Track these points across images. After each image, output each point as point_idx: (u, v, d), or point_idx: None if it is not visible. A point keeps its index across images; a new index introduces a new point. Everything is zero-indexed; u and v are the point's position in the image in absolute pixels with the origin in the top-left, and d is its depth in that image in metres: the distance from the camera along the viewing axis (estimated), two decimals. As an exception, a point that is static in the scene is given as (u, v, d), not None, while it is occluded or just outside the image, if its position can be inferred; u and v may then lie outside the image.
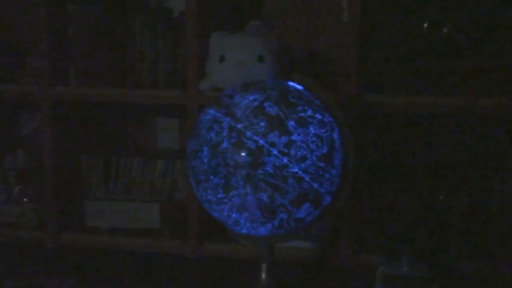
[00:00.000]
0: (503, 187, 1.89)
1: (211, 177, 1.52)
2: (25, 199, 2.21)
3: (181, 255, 2.05)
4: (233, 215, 1.54)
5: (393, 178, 1.99)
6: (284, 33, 2.13)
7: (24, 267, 2.12)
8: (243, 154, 1.47)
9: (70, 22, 2.13)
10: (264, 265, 1.67)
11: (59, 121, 2.13)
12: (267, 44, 1.87)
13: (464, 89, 1.85)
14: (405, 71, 1.88)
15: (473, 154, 2.01)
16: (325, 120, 1.55)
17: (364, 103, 1.87)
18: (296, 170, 1.47)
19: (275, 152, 1.46)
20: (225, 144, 1.50)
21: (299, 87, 1.61)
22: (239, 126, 1.49)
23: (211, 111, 1.56)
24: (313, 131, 1.50)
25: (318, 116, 1.53)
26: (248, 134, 1.48)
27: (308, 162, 1.48)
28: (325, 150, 1.51)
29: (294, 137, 1.48)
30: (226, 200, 1.52)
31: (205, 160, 1.53)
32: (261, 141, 1.47)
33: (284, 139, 1.47)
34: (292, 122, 1.48)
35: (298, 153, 1.47)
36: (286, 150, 1.47)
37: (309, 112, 1.52)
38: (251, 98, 1.52)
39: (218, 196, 1.53)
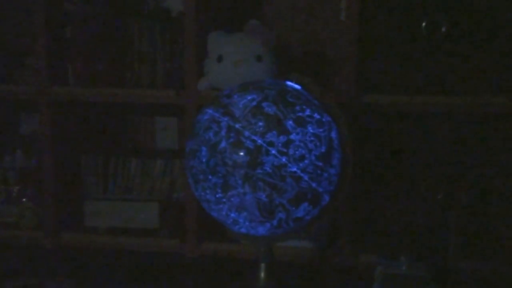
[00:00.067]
0: (502, 186, 1.89)
1: (210, 177, 1.52)
2: (24, 199, 2.21)
3: (180, 254, 2.05)
4: (232, 215, 1.54)
5: (391, 177, 1.99)
6: (282, 33, 2.13)
7: (23, 267, 2.12)
8: (241, 153, 1.48)
9: (68, 22, 2.13)
10: (263, 265, 1.67)
11: (57, 121, 2.13)
12: (265, 43, 1.87)
13: (462, 89, 1.85)
14: (404, 71, 1.88)
15: (472, 154, 2.01)
16: (324, 119, 1.55)
17: (362, 103, 1.87)
18: (294, 169, 1.47)
19: (273, 151, 1.46)
20: (223, 144, 1.50)
21: (297, 86, 1.61)
22: (237, 125, 1.49)
23: (209, 111, 1.56)
24: (311, 131, 1.50)
25: (316, 115, 1.53)
26: (247, 133, 1.48)
27: (307, 161, 1.48)
28: (323, 150, 1.51)
29: (292, 137, 1.48)
30: (224, 199, 1.52)
31: (204, 160, 1.53)
32: (259, 141, 1.47)
33: (282, 138, 1.47)
34: (290, 122, 1.48)
35: (297, 152, 1.48)
36: (285, 150, 1.47)
37: (308, 112, 1.52)
38: (249, 97, 1.52)
39: (217, 195, 1.53)
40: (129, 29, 2.10)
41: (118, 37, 2.11)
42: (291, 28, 2.15)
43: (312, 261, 1.96)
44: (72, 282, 2.01)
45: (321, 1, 2.12)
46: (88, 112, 2.26)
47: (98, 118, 2.31)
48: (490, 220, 1.89)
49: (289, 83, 1.63)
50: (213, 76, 1.92)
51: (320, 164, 1.51)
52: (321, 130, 1.52)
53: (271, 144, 1.46)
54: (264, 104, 1.50)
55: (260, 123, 1.48)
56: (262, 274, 1.67)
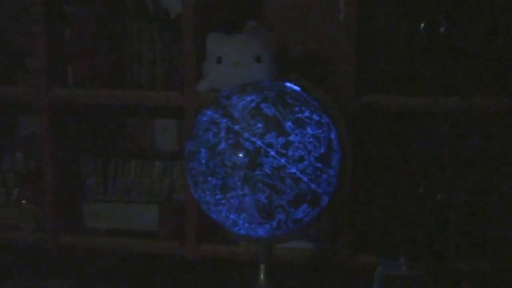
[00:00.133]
0: (501, 186, 1.89)
1: (209, 178, 1.52)
2: (23, 201, 2.21)
3: (179, 256, 2.05)
4: (231, 216, 1.54)
5: (390, 178, 1.99)
6: (281, 34, 2.13)
7: (23, 269, 2.13)
8: (240, 155, 1.48)
9: (67, 23, 2.13)
10: (262, 266, 1.67)
11: (57, 122, 2.13)
12: (264, 44, 1.88)
13: (461, 89, 1.85)
14: (403, 71, 1.88)
15: (471, 154, 2.01)
16: (323, 120, 1.55)
17: (362, 104, 1.87)
18: (293, 170, 1.48)
19: (272, 153, 1.47)
20: (222, 145, 1.50)
21: (296, 87, 1.61)
22: (236, 127, 1.49)
23: (209, 112, 1.56)
24: (310, 132, 1.50)
25: (315, 116, 1.53)
26: (246, 135, 1.48)
27: (306, 162, 1.49)
28: (322, 151, 1.52)
29: (291, 138, 1.48)
30: (224, 201, 1.52)
31: (203, 161, 1.53)
32: (258, 142, 1.47)
33: (281, 140, 1.47)
34: (289, 123, 1.49)
35: (296, 153, 1.48)
36: (284, 151, 1.47)
37: (307, 113, 1.52)
38: (248, 99, 1.52)
39: (216, 197, 1.53)
40: (129, 30, 2.10)
41: (117, 38, 2.11)
42: (290, 29, 2.15)
43: (312, 262, 1.96)
44: (72, 283, 2.02)
45: (320, 2, 2.12)
46: (87, 114, 2.26)
47: (98, 119, 2.31)
48: (489, 219, 1.89)
49: (288, 84, 1.63)
50: (213, 77, 1.92)
51: (319, 165, 1.51)
52: (320, 131, 1.52)
53: (270, 145, 1.47)
54: (263, 105, 1.50)
55: (259, 125, 1.48)
56: (262, 276, 1.67)
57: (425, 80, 1.87)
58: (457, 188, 1.91)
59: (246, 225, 1.54)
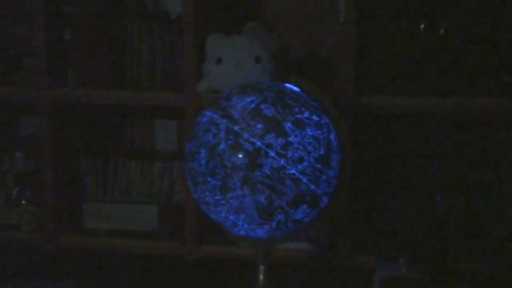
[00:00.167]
0: (501, 187, 1.89)
1: (209, 179, 1.53)
2: (23, 201, 2.21)
3: (179, 256, 2.05)
4: (231, 217, 1.54)
5: (390, 179, 1.99)
6: (281, 35, 2.13)
7: (23, 269, 2.13)
8: (240, 156, 1.48)
9: (67, 24, 2.13)
10: (261, 267, 1.67)
11: (57, 123, 2.13)
12: (264, 45, 1.88)
13: (461, 90, 1.85)
14: (402, 72, 1.88)
15: (471, 154, 2.01)
16: (322, 121, 1.55)
17: (361, 105, 1.87)
18: (293, 171, 1.48)
19: (272, 153, 1.47)
20: (222, 146, 1.50)
21: (296, 88, 1.61)
22: (236, 128, 1.49)
23: (208, 113, 1.56)
24: (310, 133, 1.50)
25: (315, 117, 1.53)
26: (245, 136, 1.48)
27: (305, 163, 1.49)
28: (322, 152, 1.52)
29: (291, 139, 1.48)
30: (223, 202, 1.52)
31: (203, 162, 1.53)
32: (258, 143, 1.47)
33: (281, 140, 1.47)
34: (289, 124, 1.49)
35: (295, 154, 1.48)
36: (283, 152, 1.47)
37: (306, 114, 1.52)
38: (248, 100, 1.52)
39: (216, 198, 1.53)
40: (129, 30, 2.10)
41: (117, 39, 2.11)
42: (290, 30, 2.15)
43: (311, 263, 1.96)
44: (72, 283, 2.02)
45: (320, 3, 2.12)
46: (87, 114, 2.26)
47: (98, 120, 2.31)
48: (488, 220, 1.89)
49: (287, 85, 1.63)
50: (212, 78, 1.92)
51: (319, 166, 1.51)
52: (319, 132, 1.52)
53: (269, 146, 1.47)
54: (262, 106, 1.50)
55: (259, 125, 1.48)
56: (261, 276, 1.67)
57: (425, 80, 1.87)
58: (457, 189, 1.91)
59: (246, 225, 1.54)
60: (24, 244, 2.17)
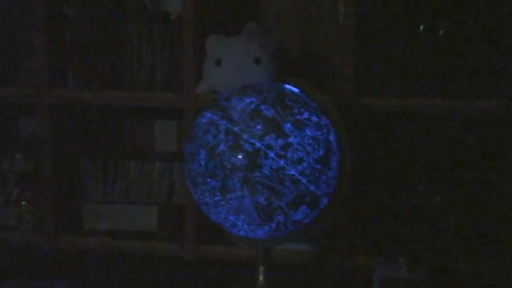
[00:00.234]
0: (500, 187, 1.89)
1: (208, 180, 1.53)
2: (23, 202, 2.21)
3: (179, 257, 2.05)
4: (231, 218, 1.54)
5: (390, 179, 1.99)
6: (281, 36, 2.13)
7: (23, 270, 2.13)
8: (240, 156, 1.48)
9: (67, 25, 2.14)
10: (261, 268, 1.67)
11: (57, 124, 2.13)
12: (264, 46, 1.88)
13: (460, 91, 1.85)
14: (402, 73, 1.88)
15: (471, 155, 2.01)
16: (322, 122, 1.55)
17: (361, 105, 1.88)
18: (293, 172, 1.48)
19: (271, 154, 1.47)
20: (222, 147, 1.50)
21: (295, 89, 1.62)
22: (235, 129, 1.49)
23: (208, 114, 1.56)
24: (309, 134, 1.51)
25: (314, 118, 1.53)
26: (245, 137, 1.48)
27: (305, 164, 1.49)
28: (321, 153, 1.52)
29: (290, 140, 1.48)
30: (223, 202, 1.52)
31: (202, 163, 1.53)
32: (257, 144, 1.47)
33: (280, 141, 1.47)
34: (288, 125, 1.49)
35: (295, 155, 1.48)
36: (283, 153, 1.47)
37: (306, 115, 1.52)
38: (247, 101, 1.53)
39: (216, 198, 1.53)
40: (128, 31, 2.10)
41: (117, 39, 2.11)
42: (290, 31, 2.16)
43: (311, 263, 1.96)
44: (71, 284, 2.02)
45: (320, 4, 2.12)
46: (87, 115, 2.27)
47: (97, 120, 2.31)
48: (488, 221, 1.89)
49: (287, 86, 1.63)
50: (212, 79, 1.92)
51: (319, 167, 1.51)
52: (319, 133, 1.53)
53: (269, 147, 1.47)
54: (262, 107, 1.51)
55: (259, 126, 1.48)
56: (261, 277, 1.67)
57: (424, 81, 1.87)
58: (456, 189, 1.91)
59: (245, 226, 1.54)
60: (24, 245, 2.17)
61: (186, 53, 1.97)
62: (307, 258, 1.96)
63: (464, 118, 1.99)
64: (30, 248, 2.16)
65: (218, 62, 1.89)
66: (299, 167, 1.48)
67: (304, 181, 1.49)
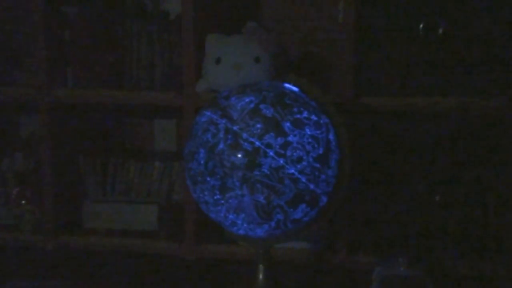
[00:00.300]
0: (500, 187, 1.90)
1: (208, 179, 1.53)
2: (23, 201, 2.21)
3: (178, 256, 2.05)
4: (230, 216, 1.54)
5: (389, 178, 1.99)
6: (280, 35, 2.14)
7: (23, 269, 2.13)
8: (239, 155, 1.48)
9: (67, 24, 2.14)
10: (261, 266, 1.68)
11: (57, 123, 2.13)
12: (264, 45, 1.88)
13: (460, 90, 1.85)
14: (401, 72, 1.88)
15: (470, 154, 2.01)
16: (321, 121, 1.55)
17: (360, 104, 1.88)
18: (292, 171, 1.48)
19: (271, 153, 1.47)
20: (221, 146, 1.50)
21: (295, 88, 1.62)
22: (235, 128, 1.50)
23: (207, 113, 1.57)
24: (309, 133, 1.51)
25: (314, 117, 1.53)
26: (244, 135, 1.48)
27: (304, 163, 1.49)
28: (321, 151, 1.52)
29: (290, 139, 1.48)
30: (223, 201, 1.53)
31: (202, 162, 1.53)
32: (257, 143, 1.47)
33: (280, 140, 1.48)
34: (288, 124, 1.49)
35: (294, 154, 1.48)
36: (282, 152, 1.47)
37: (305, 114, 1.52)
38: (247, 100, 1.53)
39: (215, 197, 1.53)
40: (128, 31, 2.10)
41: (117, 39, 2.11)
42: (289, 30, 2.16)
43: (310, 262, 1.96)
44: (71, 283, 2.02)
45: (319, 4, 2.13)
46: (87, 114, 2.27)
47: (97, 120, 2.31)
48: (487, 220, 1.89)
49: (287, 85, 1.63)
50: (212, 78, 1.92)
51: (318, 165, 1.51)
52: (318, 131, 1.53)
53: (269, 146, 1.47)
54: (261, 106, 1.51)
55: (258, 125, 1.48)
56: (260, 276, 1.68)
57: (424, 80, 1.87)
58: (455, 188, 1.91)
59: (245, 225, 1.55)
60: (23, 244, 2.17)
61: (185, 52, 1.97)
62: (307, 257, 1.96)
63: (464, 117, 1.99)
64: (30, 248, 2.16)
65: (218, 61, 1.89)
66: (298, 166, 1.48)
67: (303, 179, 1.49)
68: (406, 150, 2.05)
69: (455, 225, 1.88)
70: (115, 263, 2.12)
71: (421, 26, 1.85)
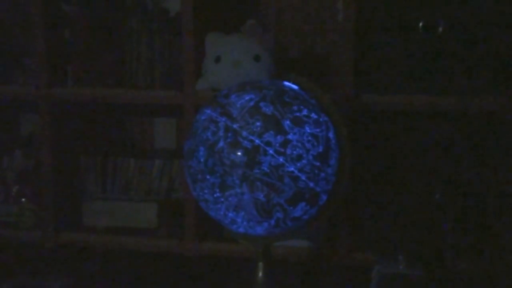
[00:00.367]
0: (499, 185, 1.90)
1: (208, 177, 1.53)
2: (23, 199, 2.21)
3: (178, 254, 2.05)
4: (230, 214, 1.55)
5: (388, 177, 1.99)
6: (280, 33, 2.14)
7: (23, 267, 2.13)
8: (239, 153, 1.48)
9: (67, 23, 2.14)
10: (260, 264, 1.68)
11: (56, 121, 2.13)
12: (263, 43, 1.88)
13: (460, 89, 1.85)
14: (401, 71, 1.88)
15: (470, 153, 2.01)
16: (321, 119, 1.55)
17: (360, 103, 1.88)
18: (292, 169, 1.48)
19: (271, 151, 1.47)
20: (221, 144, 1.50)
21: (294, 86, 1.62)
22: (235, 126, 1.50)
23: (207, 111, 1.57)
24: (308, 131, 1.51)
25: (313, 115, 1.54)
26: (244, 133, 1.48)
27: (304, 161, 1.49)
28: (320, 149, 1.52)
29: (290, 137, 1.48)
30: (222, 199, 1.53)
31: (202, 160, 1.53)
32: (257, 141, 1.48)
33: (280, 138, 1.48)
34: (287, 122, 1.49)
35: (294, 152, 1.48)
36: (282, 150, 1.47)
37: (305, 112, 1.52)
38: (247, 98, 1.53)
39: (215, 195, 1.54)
40: (128, 29, 2.10)
41: (117, 38, 2.12)
42: (289, 28, 2.16)
43: (310, 260, 1.96)
44: (71, 281, 2.02)
45: (319, 2, 2.13)
46: (87, 113, 2.27)
47: (97, 118, 2.31)
48: (486, 219, 1.89)
49: (286, 83, 1.63)
50: (211, 76, 1.92)
51: (318, 164, 1.51)
52: (318, 130, 1.53)
53: (268, 144, 1.47)
54: (261, 104, 1.51)
55: (258, 123, 1.48)
56: (260, 274, 1.68)
57: (424, 80, 1.87)
58: (455, 188, 1.91)
59: (245, 223, 1.55)
60: (23, 242, 2.17)
61: (185, 50, 1.97)
62: (307, 255, 1.96)
63: (464, 116, 1.99)
64: (30, 245, 2.16)
65: (218, 60, 1.89)
66: (298, 164, 1.48)
67: (303, 178, 1.49)
68: (406, 148, 2.05)
69: (455, 223, 1.88)
70: (115, 261, 2.12)
71: (420, 24, 1.85)
